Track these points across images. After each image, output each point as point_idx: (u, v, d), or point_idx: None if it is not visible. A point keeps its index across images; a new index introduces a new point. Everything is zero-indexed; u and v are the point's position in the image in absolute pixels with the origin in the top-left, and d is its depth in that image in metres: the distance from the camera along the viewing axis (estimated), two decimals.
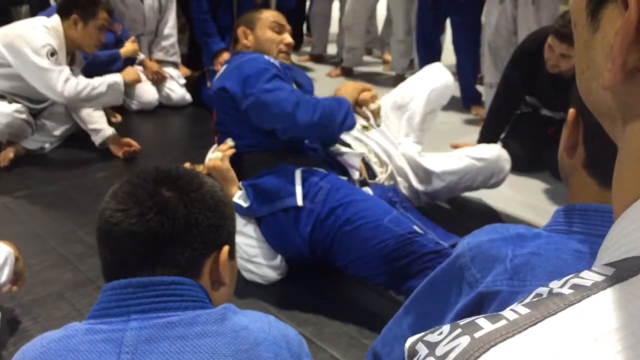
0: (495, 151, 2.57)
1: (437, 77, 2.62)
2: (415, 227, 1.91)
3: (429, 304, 0.87)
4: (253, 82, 2.00)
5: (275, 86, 2.00)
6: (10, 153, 3.03)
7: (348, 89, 2.22)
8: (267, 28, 2.26)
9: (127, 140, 3.22)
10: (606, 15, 0.36)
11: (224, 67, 2.22)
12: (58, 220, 2.49)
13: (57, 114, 3.25)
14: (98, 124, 3.23)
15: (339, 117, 2.05)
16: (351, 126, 2.13)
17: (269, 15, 2.31)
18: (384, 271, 1.86)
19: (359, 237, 1.87)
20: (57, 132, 3.23)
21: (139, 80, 3.15)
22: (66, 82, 2.93)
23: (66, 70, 2.96)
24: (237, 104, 2.05)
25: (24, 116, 3.05)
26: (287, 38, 2.29)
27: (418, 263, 1.82)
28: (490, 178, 2.54)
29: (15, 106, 3.03)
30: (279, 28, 2.28)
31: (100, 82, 3.07)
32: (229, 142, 2.13)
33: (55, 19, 3.01)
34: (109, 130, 3.23)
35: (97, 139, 3.22)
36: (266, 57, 2.15)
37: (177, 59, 4.25)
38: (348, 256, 1.91)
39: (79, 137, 3.27)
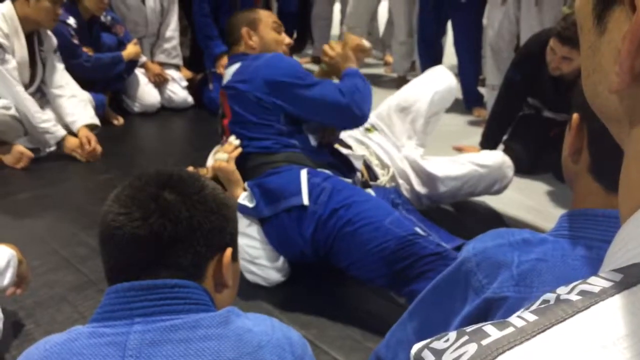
0: (498, 158, 2.57)
1: (441, 80, 2.63)
2: (417, 229, 1.89)
3: (434, 309, 0.87)
4: (303, 76, 2.07)
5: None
6: (19, 152, 2.96)
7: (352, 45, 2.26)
8: (270, 28, 2.25)
9: (87, 135, 3.14)
10: (613, 19, 0.36)
11: (236, 66, 2.16)
12: (60, 223, 2.48)
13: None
14: (71, 115, 3.20)
15: (368, 87, 2.18)
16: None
17: (268, 15, 2.30)
18: (385, 273, 1.84)
19: (359, 238, 1.86)
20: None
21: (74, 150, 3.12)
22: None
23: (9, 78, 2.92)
24: (283, 92, 2.05)
25: (11, 112, 2.97)
26: (287, 38, 2.30)
27: (419, 265, 1.80)
28: (493, 185, 2.54)
29: (2, 102, 2.96)
30: (279, 28, 2.28)
31: (44, 121, 3.03)
32: (233, 141, 2.10)
33: (7, 2, 2.95)
34: (84, 125, 3.20)
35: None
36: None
37: (179, 61, 4.26)
38: (349, 257, 1.90)
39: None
